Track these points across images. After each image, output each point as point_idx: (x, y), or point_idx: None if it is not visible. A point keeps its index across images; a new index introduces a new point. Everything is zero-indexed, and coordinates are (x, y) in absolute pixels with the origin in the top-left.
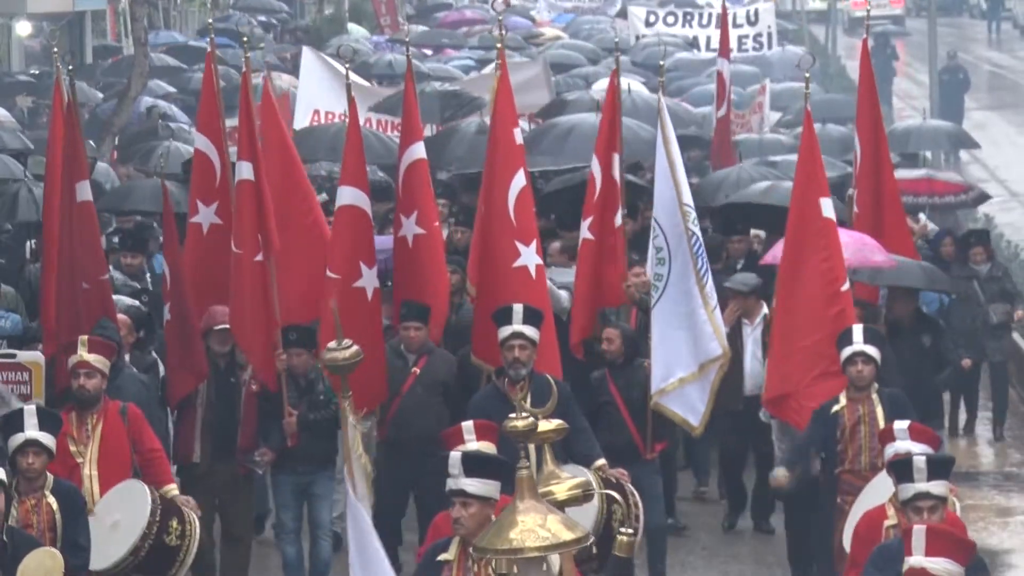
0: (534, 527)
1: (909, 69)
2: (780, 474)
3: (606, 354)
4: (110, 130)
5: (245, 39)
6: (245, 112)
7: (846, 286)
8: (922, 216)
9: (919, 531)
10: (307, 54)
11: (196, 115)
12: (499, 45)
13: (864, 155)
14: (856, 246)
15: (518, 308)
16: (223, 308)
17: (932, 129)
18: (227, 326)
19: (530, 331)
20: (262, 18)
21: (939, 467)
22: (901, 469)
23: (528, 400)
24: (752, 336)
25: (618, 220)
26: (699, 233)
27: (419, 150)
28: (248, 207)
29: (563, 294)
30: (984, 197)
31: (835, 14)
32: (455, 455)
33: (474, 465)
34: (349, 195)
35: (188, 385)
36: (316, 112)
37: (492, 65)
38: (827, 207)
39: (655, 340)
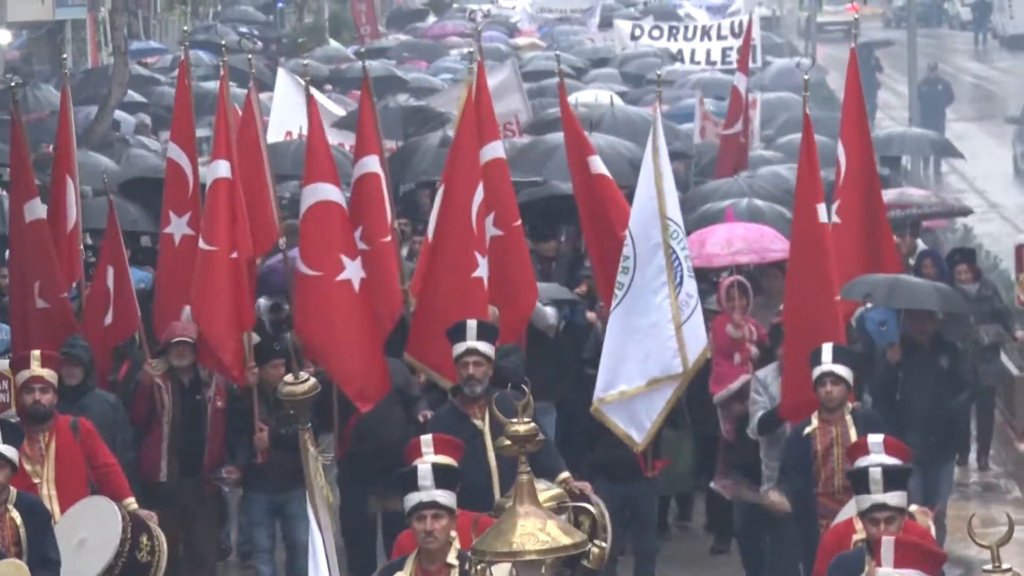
0: (534, 531)
1: (888, 80)
2: (775, 497)
3: None
4: (91, 139)
5: (223, 45)
6: (223, 113)
7: (838, 297)
8: (919, 242)
9: (888, 542)
10: (281, 75)
11: (170, 126)
12: (479, 58)
13: (849, 167)
14: (752, 237)
15: (472, 324)
16: (182, 323)
17: (916, 136)
18: (186, 339)
19: (484, 347)
20: (244, 29)
21: (895, 478)
22: (858, 480)
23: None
24: None
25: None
26: (679, 249)
27: (371, 163)
28: (223, 204)
29: (549, 311)
30: (966, 211)
31: (815, 25)
32: (424, 467)
33: (444, 476)
34: (319, 191)
35: None
36: (288, 133)
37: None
38: (822, 213)
39: (604, 348)
